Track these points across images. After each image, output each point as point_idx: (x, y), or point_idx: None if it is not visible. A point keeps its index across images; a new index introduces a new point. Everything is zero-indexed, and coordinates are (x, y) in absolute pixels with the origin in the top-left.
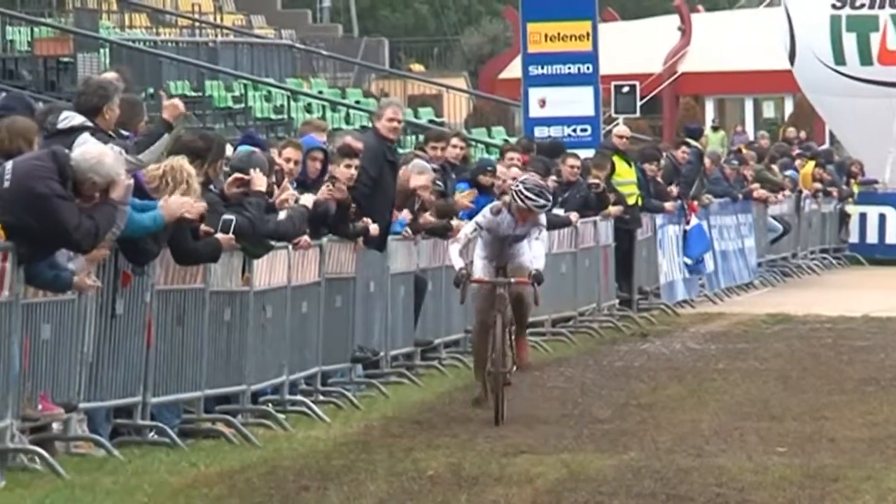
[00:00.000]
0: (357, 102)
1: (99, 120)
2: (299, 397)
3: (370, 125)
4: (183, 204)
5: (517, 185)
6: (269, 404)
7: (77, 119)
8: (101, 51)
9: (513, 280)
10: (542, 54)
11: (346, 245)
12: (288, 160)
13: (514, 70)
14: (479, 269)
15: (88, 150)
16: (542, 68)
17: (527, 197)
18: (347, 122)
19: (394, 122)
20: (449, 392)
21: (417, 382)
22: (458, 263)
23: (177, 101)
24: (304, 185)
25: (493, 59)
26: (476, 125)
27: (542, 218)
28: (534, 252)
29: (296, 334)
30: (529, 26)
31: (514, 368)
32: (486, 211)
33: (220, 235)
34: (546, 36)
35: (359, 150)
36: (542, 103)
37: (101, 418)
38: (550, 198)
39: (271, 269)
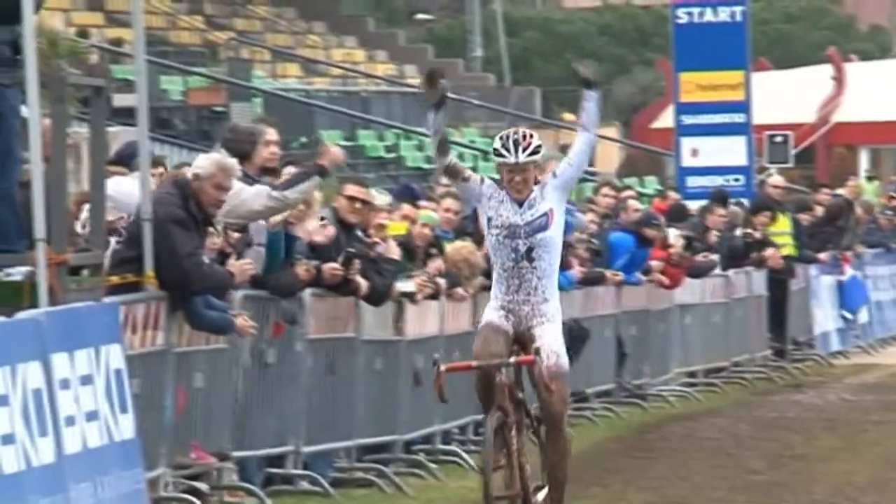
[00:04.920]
0: None
1: (247, 165)
2: (452, 447)
3: None
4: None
5: None
6: (422, 454)
7: None
8: (254, 100)
9: (512, 360)
10: (694, 104)
11: None
12: (447, 210)
13: (666, 119)
14: (486, 321)
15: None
16: (695, 118)
17: (496, 150)
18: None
19: None
20: (600, 442)
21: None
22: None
23: (336, 148)
24: (476, 239)
25: (645, 109)
26: (628, 174)
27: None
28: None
29: (447, 384)
30: (682, 76)
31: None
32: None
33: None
34: (699, 86)
35: None
36: (695, 153)
37: (253, 467)
38: (531, 147)
39: (423, 319)
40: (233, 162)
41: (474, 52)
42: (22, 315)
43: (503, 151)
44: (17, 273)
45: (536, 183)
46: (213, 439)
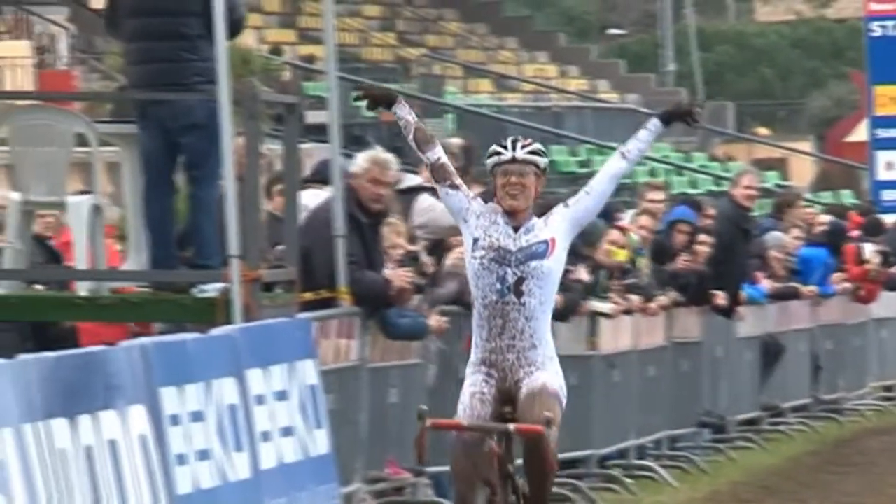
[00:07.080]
0: (702, 167)
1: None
2: (646, 461)
3: (726, 191)
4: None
5: None
6: (616, 468)
7: (416, 180)
8: (446, 116)
9: (512, 427)
10: (889, 117)
11: (693, 310)
12: (642, 227)
13: (860, 133)
14: (469, 390)
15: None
16: (890, 131)
17: (491, 152)
18: (693, 187)
19: (750, 190)
20: (796, 457)
21: (764, 447)
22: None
23: None
24: (669, 255)
25: (840, 122)
26: (822, 189)
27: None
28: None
29: (642, 398)
30: (877, 89)
31: None
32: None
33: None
34: (893, 99)
35: (710, 217)
36: (890, 166)
37: (447, 482)
38: (531, 146)
39: (618, 333)
40: (388, 157)
41: (666, 66)
42: (216, 331)
43: (498, 149)
44: (212, 290)
45: (541, 215)
46: (407, 455)
